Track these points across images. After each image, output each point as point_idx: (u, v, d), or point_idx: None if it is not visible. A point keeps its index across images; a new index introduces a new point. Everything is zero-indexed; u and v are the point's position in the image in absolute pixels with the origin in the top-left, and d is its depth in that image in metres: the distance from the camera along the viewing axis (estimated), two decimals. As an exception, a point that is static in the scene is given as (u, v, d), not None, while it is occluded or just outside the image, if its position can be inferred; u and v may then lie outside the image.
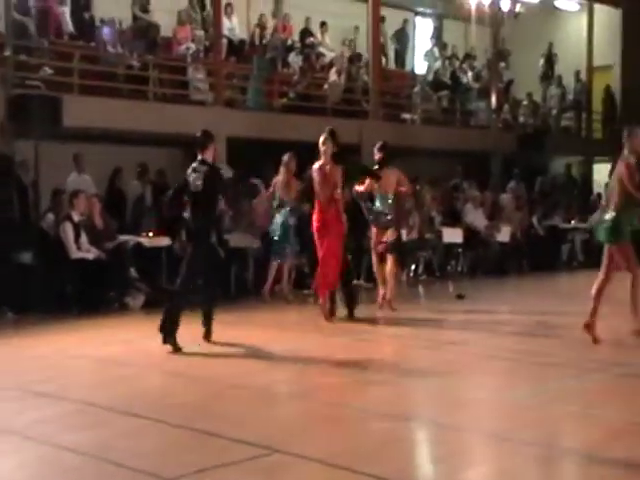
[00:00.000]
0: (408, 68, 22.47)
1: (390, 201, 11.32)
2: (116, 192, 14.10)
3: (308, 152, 11.24)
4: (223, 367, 8.08)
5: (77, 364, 8.25)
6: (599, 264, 8.94)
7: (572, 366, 7.95)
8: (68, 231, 11.66)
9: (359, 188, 11.41)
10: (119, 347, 9.03)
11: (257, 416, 6.16)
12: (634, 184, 8.42)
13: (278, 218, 12.51)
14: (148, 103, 15.06)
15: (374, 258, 11.58)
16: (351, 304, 10.91)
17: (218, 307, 9.30)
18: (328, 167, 10.55)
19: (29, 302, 11.36)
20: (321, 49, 19.67)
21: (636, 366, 7.91)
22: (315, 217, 10.63)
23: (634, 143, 8.60)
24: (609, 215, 8.67)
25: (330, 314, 10.62)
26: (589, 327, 8.76)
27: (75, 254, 11.64)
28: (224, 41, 16.93)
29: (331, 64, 18.78)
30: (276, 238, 12.50)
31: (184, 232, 12.21)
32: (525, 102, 22.81)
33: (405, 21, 22.57)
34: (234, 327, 9.97)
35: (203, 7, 17.82)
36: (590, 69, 23.75)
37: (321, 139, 10.63)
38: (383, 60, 20.38)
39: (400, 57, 22.34)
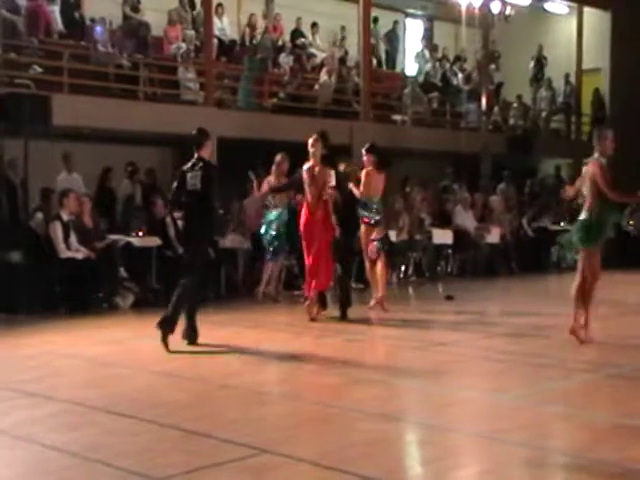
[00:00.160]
0: (399, 69, 22.51)
1: (376, 205, 11.35)
2: (106, 191, 14.07)
3: (298, 153, 11.25)
4: (213, 367, 8.07)
5: (66, 364, 8.22)
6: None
7: (562, 367, 7.96)
8: (57, 230, 11.63)
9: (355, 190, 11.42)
10: (108, 347, 9.01)
11: (247, 416, 6.15)
12: (607, 184, 8.46)
13: (272, 218, 12.45)
14: (138, 103, 15.03)
15: (366, 261, 11.60)
16: (345, 305, 10.94)
17: (208, 307, 9.29)
18: (317, 168, 10.62)
19: (18, 302, 11.31)
20: (312, 50, 19.67)
21: (625, 367, 7.93)
22: (303, 217, 10.70)
23: (604, 144, 8.65)
24: (582, 216, 8.71)
25: (317, 313, 10.66)
26: (575, 331, 8.79)
27: (64, 254, 11.61)
28: (215, 41, 16.91)
29: (322, 65, 18.78)
30: (272, 238, 12.40)
31: (175, 231, 12.31)
32: (515, 104, 22.88)
33: (395, 22, 22.61)
34: (224, 327, 9.96)
35: (193, 7, 17.80)
36: (579, 72, 23.84)
37: (310, 140, 10.70)
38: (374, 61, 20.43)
39: (391, 58, 22.37)
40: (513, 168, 20.09)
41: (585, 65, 23.68)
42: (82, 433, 5.69)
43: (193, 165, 8.93)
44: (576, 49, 23.55)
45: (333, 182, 10.69)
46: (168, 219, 12.80)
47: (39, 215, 12.15)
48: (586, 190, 8.67)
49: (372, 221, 11.33)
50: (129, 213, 13.74)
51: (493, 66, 22.72)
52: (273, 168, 12.47)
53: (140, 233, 12.64)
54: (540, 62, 23.87)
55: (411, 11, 24.46)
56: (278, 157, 12.44)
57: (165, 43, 16.76)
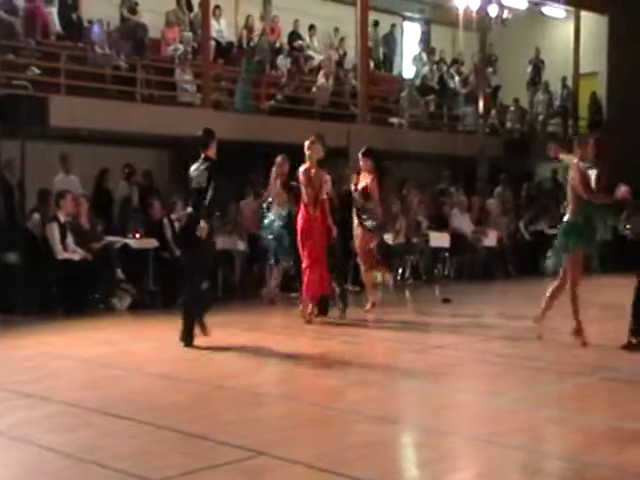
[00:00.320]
0: (396, 72, 22.53)
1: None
2: (103, 193, 14.06)
3: (296, 155, 11.26)
4: (209, 369, 8.07)
5: (63, 365, 8.21)
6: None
7: (558, 370, 7.98)
8: (54, 232, 11.63)
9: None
10: (105, 348, 9.00)
11: (243, 418, 6.15)
12: (585, 188, 8.67)
13: (275, 219, 12.39)
14: (135, 104, 15.01)
15: (361, 264, 11.63)
16: (344, 304, 11.05)
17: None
18: (313, 171, 10.70)
19: (14, 302, 11.30)
20: (309, 52, 19.68)
21: (622, 371, 7.94)
22: (300, 219, 10.75)
23: (585, 151, 8.90)
24: (566, 219, 8.91)
25: (310, 315, 10.68)
26: (577, 332, 8.86)
27: (61, 255, 11.61)
28: (212, 43, 16.91)
29: (319, 67, 18.79)
30: (274, 242, 12.35)
31: (172, 233, 12.31)
32: (512, 108, 22.90)
33: (393, 26, 22.63)
34: (221, 329, 9.93)
35: (191, 8, 17.79)
36: (577, 75, 23.87)
37: (307, 143, 10.77)
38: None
39: (388, 61, 22.39)
40: (510, 171, 20.11)
41: (582, 69, 23.71)
42: (78, 434, 5.68)
43: (198, 166, 9.10)
44: (573, 53, 23.58)
45: (329, 184, 10.77)
46: (165, 220, 12.82)
47: (36, 216, 12.14)
48: (569, 194, 8.88)
49: (370, 226, 11.37)
50: (126, 215, 13.74)
51: (490, 69, 22.76)
52: (274, 169, 12.43)
53: (137, 235, 12.63)
54: (537, 66, 23.91)
55: (409, 14, 24.48)
56: (279, 158, 12.40)
57: (162, 45, 16.76)
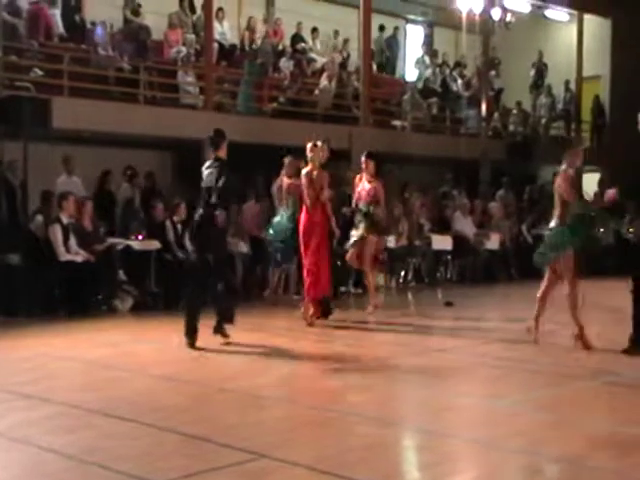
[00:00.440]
0: (398, 75, 22.54)
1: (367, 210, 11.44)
2: (105, 194, 14.07)
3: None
4: (211, 370, 8.08)
5: (64, 366, 8.21)
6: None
7: (560, 374, 7.97)
8: (57, 233, 11.63)
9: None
10: (107, 350, 9.01)
11: (245, 420, 6.15)
12: (572, 195, 8.90)
13: (283, 221, 12.34)
14: (138, 106, 15.03)
15: (366, 268, 11.68)
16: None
17: (205, 311, 9.31)
18: (315, 172, 10.74)
19: (17, 304, 11.30)
20: (312, 55, 19.70)
21: (623, 375, 7.92)
22: (302, 221, 10.78)
23: (574, 158, 9.20)
24: (552, 224, 9.18)
25: (312, 317, 10.71)
26: (579, 337, 8.89)
27: (64, 256, 11.61)
28: (215, 45, 16.92)
29: (322, 70, 18.80)
30: (279, 241, 12.34)
31: (174, 235, 12.33)
32: (515, 111, 22.90)
33: (396, 28, 22.64)
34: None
35: (194, 11, 17.81)
36: (579, 79, 23.88)
37: (309, 146, 10.81)
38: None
39: (390, 64, 22.40)
40: (513, 174, 20.09)
41: (585, 72, 23.71)
42: (79, 436, 5.68)
43: (209, 165, 9.22)
44: (576, 56, 23.59)
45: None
46: (168, 222, 12.83)
47: (39, 218, 12.14)
48: (555, 200, 9.11)
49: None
50: (128, 216, 13.74)
51: (493, 72, 22.75)
52: (284, 171, 12.41)
53: (140, 237, 12.63)
54: (540, 69, 23.91)
55: (411, 17, 24.50)
56: (287, 159, 12.40)
57: (165, 47, 16.78)
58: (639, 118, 8.83)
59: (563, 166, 9.14)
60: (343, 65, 19.74)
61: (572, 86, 23.90)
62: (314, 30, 20.19)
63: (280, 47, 19.08)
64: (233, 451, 5.31)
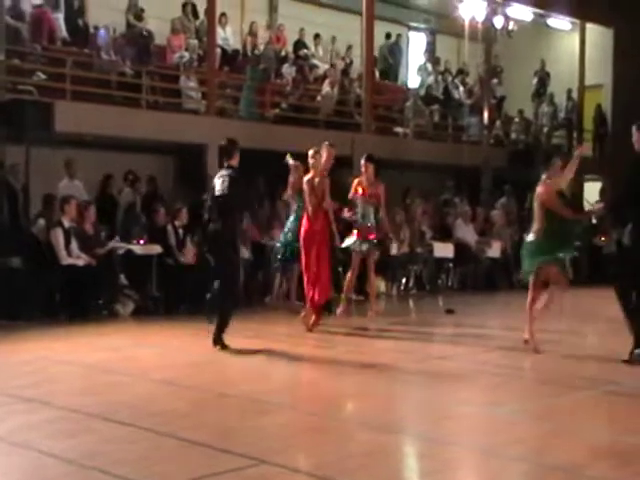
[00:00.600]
0: (401, 82, 22.56)
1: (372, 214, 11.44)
2: (107, 198, 14.08)
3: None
4: (211, 376, 8.07)
5: (65, 370, 8.21)
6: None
7: (560, 383, 7.95)
8: (59, 237, 11.64)
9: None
10: (108, 354, 9.00)
11: (244, 426, 6.14)
12: (558, 206, 9.08)
13: (287, 224, 12.26)
14: (140, 111, 15.05)
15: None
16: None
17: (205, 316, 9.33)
18: (317, 179, 10.75)
19: (17, 308, 11.30)
20: (314, 61, 19.72)
21: (623, 384, 7.91)
22: (304, 227, 10.78)
23: (554, 172, 9.42)
24: (530, 237, 9.32)
25: (313, 324, 10.70)
26: (528, 342, 9.24)
27: (65, 260, 11.62)
28: (218, 51, 16.94)
29: (324, 76, 18.82)
30: (282, 245, 12.30)
31: (175, 240, 12.33)
32: (517, 119, 22.91)
33: (399, 35, 22.68)
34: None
35: (197, 16, 17.83)
36: (582, 88, 23.89)
37: (310, 152, 10.85)
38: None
39: (393, 71, 22.43)
40: (514, 182, 20.10)
41: (587, 81, 23.73)
42: (79, 440, 5.67)
43: (222, 174, 9.27)
44: (578, 65, 23.61)
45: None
46: (169, 227, 12.83)
47: (40, 221, 12.15)
48: (535, 211, 9.31)
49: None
50: (130, 221, 13.74)
51: (495, 80, 22.78)
52: (291, 178, 12.39)
53: (141, 241, 12.64)
54: (542, 77, 23.94)
55: (414, 24, 24.55)
56: (294, 163, 12.40)
57: (168, 52, 16.80)
58: (633, 131, 8.89)
59: (543, 176, 9.38)
60: (345, 72, 19.76)
61: (574, 95, 23.92)
62: (316, 36, 20.23)
63: (283, 53, 19.10)
64: (233, 457, 5.30)
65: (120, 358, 8.82)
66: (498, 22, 21.24)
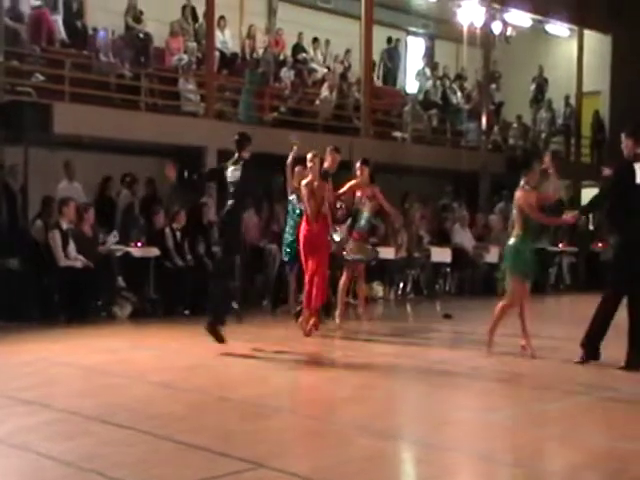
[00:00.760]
0: (399, 87, 22.59)
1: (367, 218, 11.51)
2: (106, 201, 14.08)
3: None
4: (210, 379, 8.06)
5: (63, 372, 8.20)
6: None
7: (557, 388, 7.95)
8: (57, 239, 11.64)
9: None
10: (105, 356, 8.99)
11: (243, 429, 6.13)
12: (532, 210, 9.30)
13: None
14: (139, 113, 15.07)
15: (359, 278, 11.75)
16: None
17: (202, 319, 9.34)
18: (316, 183, 10.74)
19: (16, 309, 11.29)
20: (313, 65, 19.74)
21: (621, 391, 7.92)
22: (302, 231, 10.77)
23: (531, 176, 9.62)
24: (511, 242, 9.48)
25: (310, 329, 10.70)
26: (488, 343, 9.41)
27: (63, 262, 11.61)
28: (216, 54, 16.96)
29: (323, 80, 18.84)
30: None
31: (174, 243, 12.34)
32: (515, 125, 22.96)
33: (397, 40, 22.71)
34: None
35: (196, 19, 17.85)
36: (579, 94, 23.97)
37: (309, 156, 10.84)
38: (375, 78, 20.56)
39: (391, 75, 22.46)
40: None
41: (585, 87, 23.80)
42: (77, 442, 5.66)
43: (235, 162, 9.62)
44: (576, 71, 23.68)
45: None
46: (167, 230, 12.84)
47: (39, 223, 12.15)
48: (515, 216, 9.50)
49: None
50: (128, 223, 13.74)
51: (493, 86, 22.83)
52: (294, 180, 12.39)
53: (139, 244, 12.63)
54: (540, 83, 24.00)
55: (413, 29, 24.59)
56: (298, 167, 12.39)
57: (167, 54, 16.81)
58: (623, 137, 8.93)
59: (522, 182, 9.54)
60: (344, 76, 19.78)
61: (572, 101, 24.00)
62: (315, 40, 20.25)
63: (281, 57, 19.11)
64: (231, 460, 5.29)
65: (118, 360, 8.81)
66: (496, 28, 21.30)
